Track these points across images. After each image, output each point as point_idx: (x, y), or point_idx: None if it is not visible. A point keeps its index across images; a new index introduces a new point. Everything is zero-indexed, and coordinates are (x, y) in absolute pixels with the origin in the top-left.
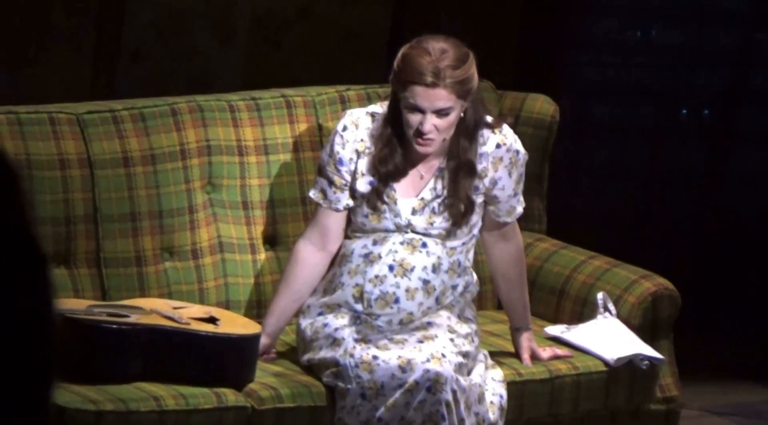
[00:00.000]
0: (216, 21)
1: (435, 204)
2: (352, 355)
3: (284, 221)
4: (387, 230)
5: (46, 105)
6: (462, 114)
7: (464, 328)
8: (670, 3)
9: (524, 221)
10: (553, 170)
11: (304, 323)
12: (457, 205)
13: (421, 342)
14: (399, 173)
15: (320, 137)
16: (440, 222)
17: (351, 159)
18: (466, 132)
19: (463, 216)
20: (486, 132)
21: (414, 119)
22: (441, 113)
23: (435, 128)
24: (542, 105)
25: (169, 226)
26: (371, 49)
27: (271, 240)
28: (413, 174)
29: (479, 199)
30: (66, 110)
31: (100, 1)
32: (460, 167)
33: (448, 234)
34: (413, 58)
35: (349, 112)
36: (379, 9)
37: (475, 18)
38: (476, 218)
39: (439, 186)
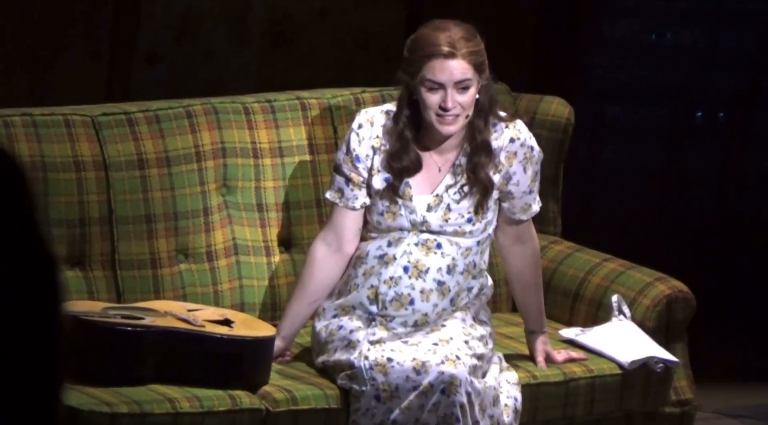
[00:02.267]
0: (231, 23)
1: (451, 200)
2: (366, 357)
3: (299, 224)
4: (402, 229)
5: (61, 107)
6: (477, 95)
7: (479, 330)
8: (685, 5)
9: (539, 224)
10: (567, 173)
11: (319, 325)
12: (478, 187)
13: (435, 344)
14: (414, 169)
15: (335, 139)
16: (455, 219)
17: (367, 156)
18: (481, 113)
19: (484, 195)
20: (500, 126)
21: (434, 98)
22: (460, 85)
23: (458, 104)
24: (557, 107)
25: (184, 228)
26: (386, 52)
27: (286, 243)
28: (431, 167)
29: (494, 195)
30: (81, 112)
31: (116, 4)
32: (478, 148)
33: (464, 232)
34: (426, 34)
35: (364, 110)
36: (393, 11)
37: (490, 20)
38: (491, 216)
39: (456, 181)
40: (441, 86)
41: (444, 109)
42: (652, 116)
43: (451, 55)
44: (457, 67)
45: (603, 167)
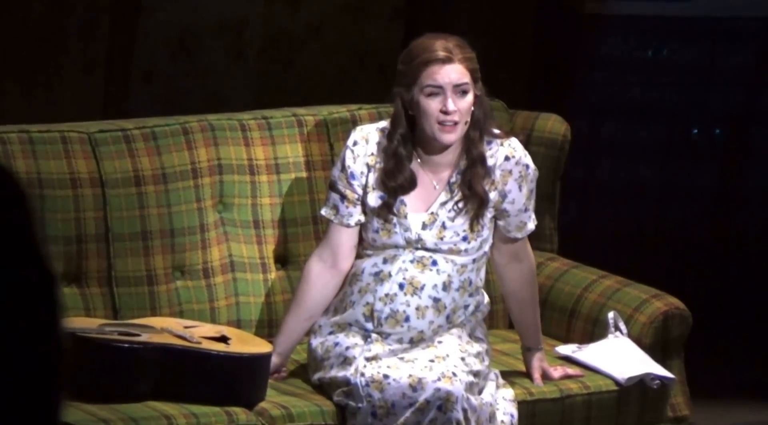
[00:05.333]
0: (228, 40)
1: (446, 218)
2: (363, 374)
3: (295, 241)
4: (397, 246)
5: (57, 124)
6: (472, 107)
7: (475, 347)
8: (682, 22)
9: (535, 241)
10: (564, 190)
11: (315, 342)
12: (474, 200)
13: (432, 360)
14: (408, 187)
15: (332, 156)
16: (450, 237)
17: (362, 173)
18: (476, 126)
19: (480, 208)
20: (494, 144)
21: (434, 104)
22: (459, 89)
23: (457, 109)
24: (554, 124)
25: (181, 245)
26: (383, 68)
27: (283, 259)
28: (425, 185)
29: (489, 213)
30: (78, 128)
31: (113, 21)
32: (474, 161)
33: (459, 249)
34: (420, 43)
35: (359, 127)
36: (390, 28)
37: (487, 37)
38: (486, 233)
39: (450, 198)
40: (441, 90)
41: (445, 112)
42: (648, 132)
43: (448, 60)
44: (455, 71)
45: (600, 184)
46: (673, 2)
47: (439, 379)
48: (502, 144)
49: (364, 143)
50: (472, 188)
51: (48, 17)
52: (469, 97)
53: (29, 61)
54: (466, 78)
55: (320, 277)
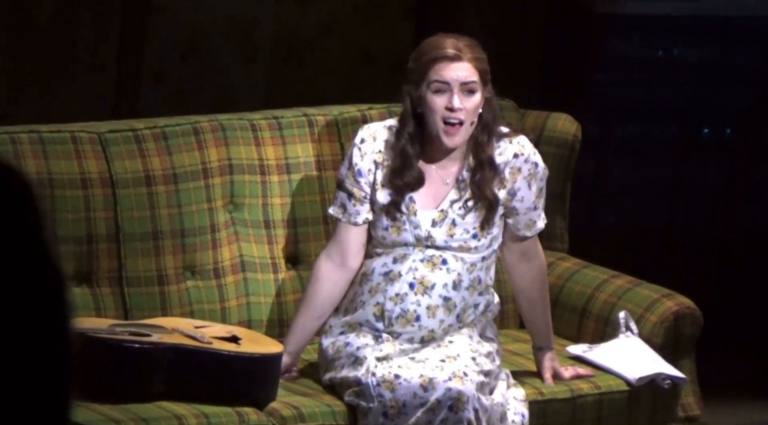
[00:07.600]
0: (238, 40)
1: (456, 216)
2: (374, 374)
3: (306, 240)
4: (407, 244)
5: (68, 124)
6: (480, 109)
7: (486, 347)
8: (692, 21)
9: (546, 240)
10: (575, 189)
11: (326, 342)
12: (483, 202)
13: (443, 360)
14: (416, 184)
15: (342, 156)
16: (460, 234)
17: (369, 170)
18: (485, 129)
19: (490, 211)
20: (503, 143)
21: (440, 101)
22: (466, 88)
23: (463, 108)
24: (564, 124)
25: (191, 245)
26: (393, 68)
27: (293, 259)
28: (434, 182)
29: (499, 210)
30: (88, 128)
31: (123, 21)
32: (482, 164)
33: (469, 247)
34: (431, 42)
35: (366, 125)
36: (401, 28)
37: (498, 36)
38: (496, 231)
39: (460, 196)
40: (447, 87)
41: (450, 109)
42: (659, 132)
43: (457, 58)
44: (463, 69)
45: (610, 184)
46: (683, 1)
47: (450, 379)
48: (510, 142)
49: (372, 141)
50: (481, 191)
51: (58, 17)
52: (476, 97)
53: (40, 62)
54: (474, 77)
55: (329, 275)
